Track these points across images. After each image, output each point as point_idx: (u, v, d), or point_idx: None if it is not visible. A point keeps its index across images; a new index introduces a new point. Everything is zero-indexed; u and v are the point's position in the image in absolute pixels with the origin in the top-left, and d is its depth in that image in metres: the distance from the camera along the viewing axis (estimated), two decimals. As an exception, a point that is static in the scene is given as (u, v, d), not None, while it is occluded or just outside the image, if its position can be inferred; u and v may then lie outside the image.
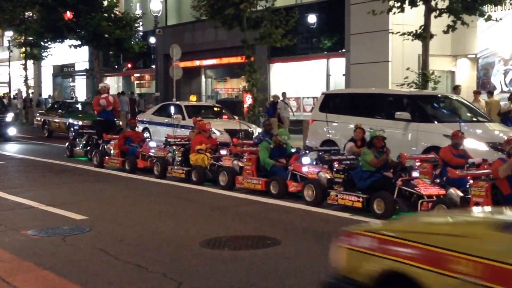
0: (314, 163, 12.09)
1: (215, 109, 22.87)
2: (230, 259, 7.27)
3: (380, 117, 14.73)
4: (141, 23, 35.15)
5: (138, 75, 42.93)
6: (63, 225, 9.15)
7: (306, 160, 11.96)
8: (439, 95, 16.51)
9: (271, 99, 25.44)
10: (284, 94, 25.37)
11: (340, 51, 26.85)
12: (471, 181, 9.05)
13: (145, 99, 36.15)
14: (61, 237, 8.43)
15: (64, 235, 8.53)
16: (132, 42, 33.44)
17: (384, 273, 4.05)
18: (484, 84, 23.59)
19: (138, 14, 35.44)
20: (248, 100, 24.93)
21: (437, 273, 3.68)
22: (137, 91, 40.85)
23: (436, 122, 13.88)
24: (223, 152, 13.76)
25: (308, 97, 28.90)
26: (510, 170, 8.39)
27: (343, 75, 26.62)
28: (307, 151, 13.04)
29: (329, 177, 11.01)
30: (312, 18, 28.09)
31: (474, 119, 14.79)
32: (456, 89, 19.26)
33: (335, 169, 11.04)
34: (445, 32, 18.46)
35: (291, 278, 6.54)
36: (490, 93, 18.97)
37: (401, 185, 9.97)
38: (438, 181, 10.31)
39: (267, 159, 12.13)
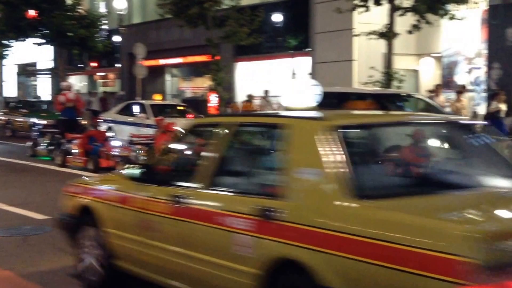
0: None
1: (180, 108, 22.75)
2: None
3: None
4: (105, 22, 34.82)
5: (102, 74, 42.52)
6: (24, 225, 8.98)
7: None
8: (403, 94, 16.65)
9: (246, 98, 25.45)
10: (266, 91, 25.35)
11: (305, 49, 26.92)
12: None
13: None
14: (21, 237, 8.27)
15: (25, 235, 8.38)
16: (97, 41, 33.10)
17: (80, 208, 6.38)
18: (448, 83, 23.87)
19: (102, 13, 35.08)
20: (213, 99, 24.84)
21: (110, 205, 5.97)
22: (102, 90, 40.45)
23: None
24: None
25: (274, 96, 28.91)
26: None
27: (309, 73, 26.69)
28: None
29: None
30: (277, 17, 28.11)
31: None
32: (438, 87, 19.43)
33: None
34: (410, 32, 18.63)
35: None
36: (460, 92, 19.10)
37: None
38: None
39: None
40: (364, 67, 21.79)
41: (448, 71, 23.90)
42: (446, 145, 5.81)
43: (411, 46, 24.05)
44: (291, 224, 4.21)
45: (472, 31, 22.68)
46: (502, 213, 4.04)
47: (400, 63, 22.29)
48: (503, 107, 17.34)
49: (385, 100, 15.12)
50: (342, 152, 4.23)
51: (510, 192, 4.65)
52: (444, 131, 5.62)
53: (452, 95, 19.93)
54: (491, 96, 18.13)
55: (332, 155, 4.23)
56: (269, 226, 4.32)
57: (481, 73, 22.00)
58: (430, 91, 19.62)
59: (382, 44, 19.11)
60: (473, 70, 22.98)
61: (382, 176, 4.62)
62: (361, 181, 4.16)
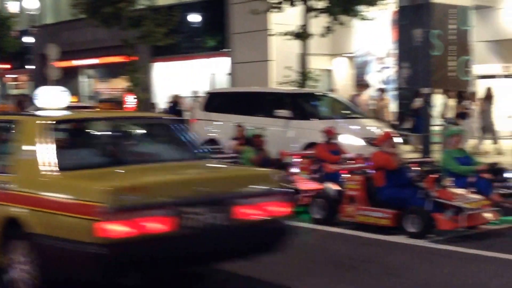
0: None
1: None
2: None
3: (262, 115, 14.94)
4: (16, 22, 33.74)
5: (13, 76, 41.16)
6: None
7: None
8: (318, 93, 16.95)
9: (172, 99, 25.21)
10: (195, 92, 25.20)
11: (223, 50, 26.95)
12: (346, 175, 9.33)
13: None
14: None
15: None
16: (7, 42, 32.03)
17: None
18: (360, 82, 24.47)
19: (13, 13, 33.97)
20: (129, 100, 24.51)
21: None
22: (15, 92, 39.16)
23: (314, 119, 14.24)
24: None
25: (192, 96, 28.80)
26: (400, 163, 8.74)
27: (228, 74, 26.76)
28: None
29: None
30: (194, 17, 28.02)
31: (351, 115, 15.30)
32: (361, 87, 19.85)
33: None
34: (323, 35, 18.97)
35: None
36: (382, 90, 19.51)
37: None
38: (315, 176, 10.57)
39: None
40: (281, 67, 22.03)
41: (360, 70, 24.48)
42: (143, 133, 7.47)
43: (325, 47, 24.47)
44: (16, 192, 5.78)
45: (383, 31, 23.33)
46: (140, 177, 5.76)
47: (315, 63, 22.64)
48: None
49: (301, 100, 15.38)
50: (51, 140, 5.85)
51: (167, 165, 6.34)
52: (143, 123, 7.42)
53: (371, 93, 20.48)
54: (415, 93, 18.66)
55: (45, 142, 5.82)
56: (3, 195, 5.87)
57: (391, 72, 22.66)
58: (356, 90, 20.13)
59: (297, 44, 19.38)
60: (384, 70, 23.66)
61: (81, 156, 6.25)
62: (63, 159, 5.73)
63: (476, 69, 22.59)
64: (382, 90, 19.60)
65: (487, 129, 17.21)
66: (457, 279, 6.31)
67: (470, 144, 17.35)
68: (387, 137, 9.11)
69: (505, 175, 9.30)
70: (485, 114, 17.35)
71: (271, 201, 5.73)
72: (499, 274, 6.47)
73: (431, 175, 8.48)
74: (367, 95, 20.09)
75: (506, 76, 22.50)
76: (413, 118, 18.18)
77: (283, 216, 5.84)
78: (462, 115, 17.22)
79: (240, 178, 6.01)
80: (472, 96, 18.10)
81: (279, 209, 5.78)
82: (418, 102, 17.90)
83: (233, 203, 5.55)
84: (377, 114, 19.07)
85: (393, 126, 17.99)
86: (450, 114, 17.76)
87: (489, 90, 17.90)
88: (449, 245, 7.70)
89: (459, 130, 10.57)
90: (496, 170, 9.35)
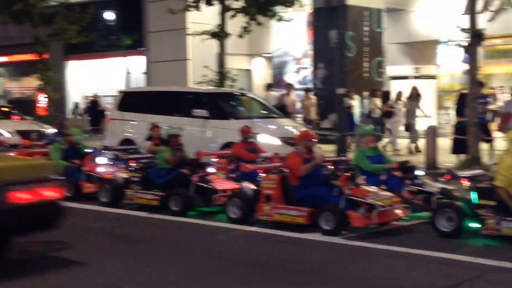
0: (112, 163, 11.80)
1: (4, 109, 21.58)
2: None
3: (179, 115, 14.80)
4: None
5: None
6: None
7: (100, 160, 11.65)
8: (236, 93, 16.96)
9: (91, 98, 24.61)
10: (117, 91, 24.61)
11: (139, 49, 26.62)
12: (263, 174, 9.37)
13: None
14: None
15: None
16: None
17: None
18: (278, 82, 24.70)
19: None
20: (42, 99, 23.83)
21: None
22: None
23: (232, 118, 14.24)
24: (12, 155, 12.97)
25: (107, 96, 28.28)
26: (311, 168, 8.78)
27: (144, 73, 26.44)
28: (104, 151, 12.71)
29: (125, 176, 10.82)
30: (109, 15, 27.56)
31: (268, 115, 15.40)
32: (289, 87, 19.99)
33: (132, 168, 10.87)
34: (240, 35, 19.02)
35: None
36: (309, 90, 19.63)
37: (197, 181, 10.09)
38: (233, 175, 10.58)
39: (59, 160, 11.62)
40: (198, 67, 21.97)
41: (278, 70, 24.76)
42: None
43: (243, 47, 24.60)
44: None
45: (299, 32, 23.67)
46: None
47: (234, 63, 22.73)
48: (354, 103, 18.38)
49: (218, 99, 15.35)
50: None
51: None
52: None
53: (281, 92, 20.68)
54: (345, 94, 18.92)
55: None
56: None
57: (308, 72, 23.01)
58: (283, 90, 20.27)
59: (215, 44, 19.36)
60: (301, 70, 24.00)
61: None
62: None
63: (389, 70, 23.28)
64: (307, 90, 19.67)
65: (410, 128, 17.64)
66: (369, 274, 6.44)
67: (387, 142, 17.88)
68: (304, 137, 9.18)
69: (416, 172, 9.55)
70: (410, 113, 17.77)
71: (45, 187, 6.57)
72: (410, 268, 6.65)
73: (345, 173, 8.63)
74: (294, 94, 20.29)
75: (417, 77, 23.25)
76: (336, 117, 18.42)
77: (56, 199, 6.71)
78: (388, 114, 17.62)
79: (15, 168, 6.74)
80: (398, 95, 18.45)
81: (52, 193, 6.64)
82: (348, 102, 18.22)
83: (7, 189, 6.25)
84: (304, 113, 19.31)
85: (318, 126, 18.28)
86: (377, 113, 18.20)
87: (414, 89, 18.31)
88: (362, 241, 7.86)
89: (371, 130, 10.81)
90: (407, 168, 9.59)
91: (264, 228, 8.82)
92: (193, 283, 6.30)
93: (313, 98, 19.48)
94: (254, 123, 12.32)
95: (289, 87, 20.08)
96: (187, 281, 6.36)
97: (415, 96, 17.99)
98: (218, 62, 19.24)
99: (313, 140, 9.15)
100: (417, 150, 17.17)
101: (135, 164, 10.93)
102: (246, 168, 9.92)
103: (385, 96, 18.54)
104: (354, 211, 8.23)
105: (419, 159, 13.94)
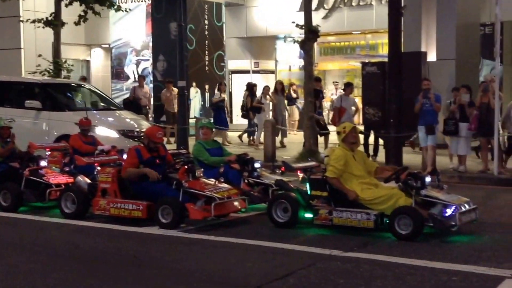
0: None
1: None
2: None
3: (10, 106, 14.11)
4: None
5: None
6: None
7: None
8: (72, 84, 16.39)
9: None
10: None
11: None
12: (99, 168, 9.10)
13: None
14: None
15: None
16: None
17: None
18: (118, 74, 24.21)
19: None
20: None
21: None
22: None
23: (67, 110, 13.75)
24: None
25: None
26: (135, 176, 8.58)
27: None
28: None
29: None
30: None
31: (107, 107, 15.02)
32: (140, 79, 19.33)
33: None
34: (77, 23, 18.37)
35: None
36: (170, 82, 19.02)
37: (28, 175, 9.62)
38: (67, 169, 10.18)
39: None
40: (33, 56, 21.00)
41: (117, 62, 24.24)
42: None
43: (81, 36, 23.84)
44: None
45: (139, 23, 23.33)
46: None
47: (71, 53, 21.99)
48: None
49: (53, 90, 14.74)
50: None
51: None
52: None
53: (123, 85, 20.29)
54: (218, 86, 18.70)
55: None
56: None
57: (148, 64, 22.75)
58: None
59: (51, 33, 18.56)
60: (141, 62, 23.67)
61: None
62: None
63: (229, 64, 23.60)
64: (169, 82, 19.02)
65: (278, 123, 17.42)
66: (204, 266, 6.44)
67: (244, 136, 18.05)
68: (149, 134, 8.93)
69: (255, 165, 9.71)
70: (277, 107, 17.84)
71: None
72: (245, 259, 6.74)
73: (183, 166, 8.58)
74: (148, 87, 19.82)
75: (256, 72, 23.78)
76: (213, 112, 18.48)
77: None
78: (257, 109, 17.53)
79: None
80: (266, 90, 18.18)
81: None
82: (217, 96, 18.10)
83: None
84: (166, 105, 18.80)
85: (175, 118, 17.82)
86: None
87: (279, 83, 18.47)
88: (200, 234, 7.86)
89: (209, 123, 10.85)
90: (245, 160, 9.73)
91: (100, 223, 8.57)
92: (23, 281, 5.95)
93: (175, 90, 18.94)
94: (91, 115, 11.93)
95: (141, 79, 19.54)
96: (14, 279, 6.00)
97: (280, 90, 18.11)
98: (54, 51, 18.43)
99: (157, 141, 8.86)
100: (282, 145, 17.32)
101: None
102: (81, 162, 9.58)
103: (251, 90, 18.34)
104: (192, 204, 8.21)
105: (287, 153, 14.23)
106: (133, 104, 17.53)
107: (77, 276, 6.17)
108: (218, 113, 18.24)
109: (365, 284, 5.75)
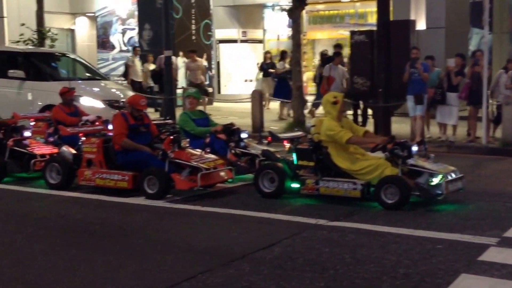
0: None
1: None
2: None
3: (-7, 76, 13.92)
4: None
5: None
6: None
7: None
8: (56, 53, 16.19)
9: None
10: None
11: None
12: (83, 138, 9.00)
13: None
14: None
15: None
16: None
17: None
18: (104, 43, 23.92)
19: None
20: None
21: None
22: None
23: (52, 80, 13.60)
24: None
25: None
26: (132, 148, 8.47)
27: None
28: None
29: None
30: None
31: (92, 77, 14.87)
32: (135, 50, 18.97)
33: None
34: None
35: None
36: (193, 52, 18.55)
37: (12, 145, 9.51)
38: (51, 139, 10.06)
39: None
40: (16, 25, 20.69)
41: (103, 31, 23.93)
42: None
43: (65, 5, 23.50)
44: None
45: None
46: None
47: (55, 22, 21.66)
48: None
49: (37, 60, 14.56)
50: None
51: None
52: None
53: (109, 55, 20.03)
54: (281, 55, 18.19)
55: None
56: None
57: (134, 34, 22.47)
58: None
59: (34, 1, 18.27)
60: (127, 31, 23.37)
61: None
62: None
63: (217, 33, 23.33)
64: (192, 51, 18.40)
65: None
66: (190, 236, 6.41)
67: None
68: (131, 102, 8.83)
69: (241, 135, 9.63)
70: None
71: None
72: (231, 229, 6.71)
73: (169, 136, 8.50)
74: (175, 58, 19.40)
75: (244, 41, 23.54)
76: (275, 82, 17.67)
77: None
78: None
79: None
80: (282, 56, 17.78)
81: None
82: (281, 66, 17.62)
83: None
84: (191, 77, 18.09)
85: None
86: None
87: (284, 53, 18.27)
88: (187, 204, 7.82)
89: (195, 93, 10.72)
90: (231, 131, 9.65)
91: (85, 193, 8.50)
92: (7, 251, 5.90)
93: (200, 60, 18.54)
94: (76, 85, 11.80)
95: (136, 50, 19.10)
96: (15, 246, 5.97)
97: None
98: (37, 20, 18.16)
99: (140, 109, 8.75)
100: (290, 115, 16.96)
101: None
102: (65, 132, 9.48)
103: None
104: (178, 174, 8.15)
105: (279, 125, 14.14)
106: (159, 75, 17.10)
107: (62, 246, 6.12)
108: (282, 84, 17.03)
109: (350, 252, 5.74)
